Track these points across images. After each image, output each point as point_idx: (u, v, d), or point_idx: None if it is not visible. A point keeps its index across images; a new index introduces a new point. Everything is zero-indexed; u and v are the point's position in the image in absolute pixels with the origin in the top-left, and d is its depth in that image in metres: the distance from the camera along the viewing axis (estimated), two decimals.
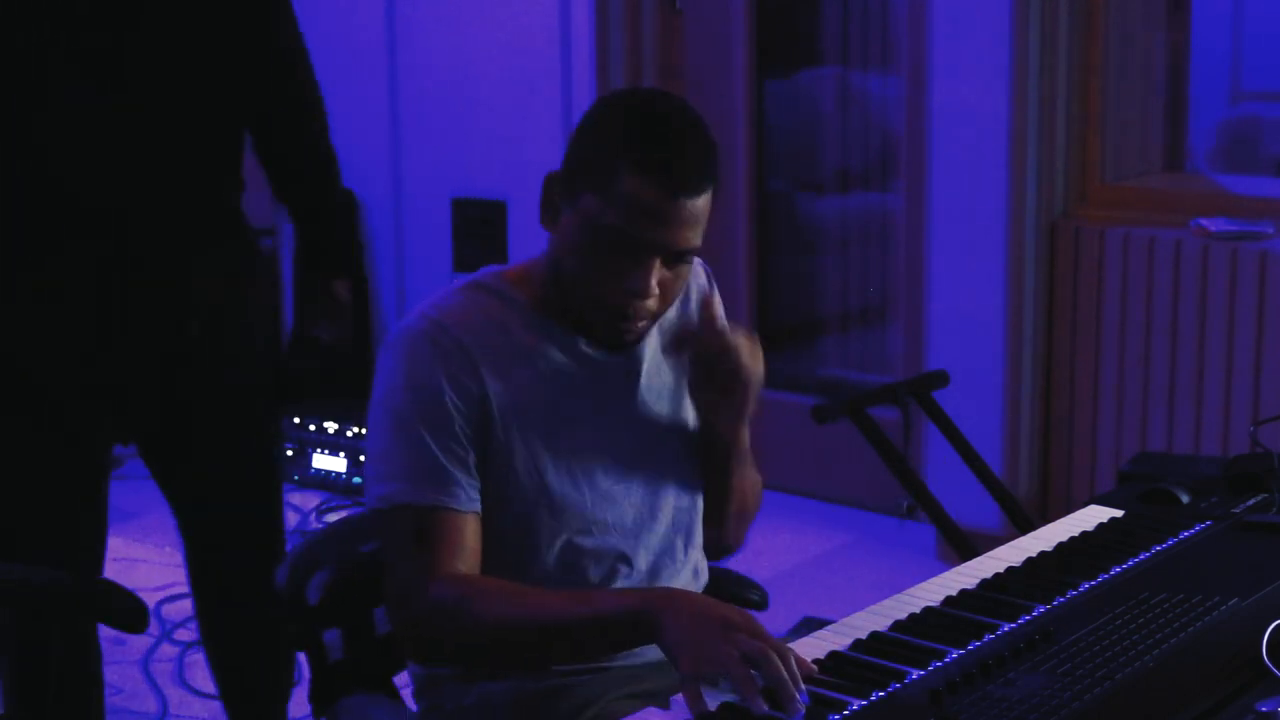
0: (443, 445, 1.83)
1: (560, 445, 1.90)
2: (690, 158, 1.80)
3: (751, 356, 1.91)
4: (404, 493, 1.83)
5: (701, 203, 1.81)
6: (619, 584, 1.96)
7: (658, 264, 1.81)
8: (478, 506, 1.86)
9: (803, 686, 1.56)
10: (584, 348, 1.93)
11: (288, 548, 2.08)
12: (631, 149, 1.78)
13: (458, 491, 1.84)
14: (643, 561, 1.99)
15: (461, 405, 1.84)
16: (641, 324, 1.87)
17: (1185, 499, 2.20)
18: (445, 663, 1.94)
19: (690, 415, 2.03)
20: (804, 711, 1.53)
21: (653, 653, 1.81)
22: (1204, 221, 3.94)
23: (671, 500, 2.01)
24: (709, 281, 2.10)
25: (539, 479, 1.89)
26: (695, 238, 1.82)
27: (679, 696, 1.59)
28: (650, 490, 1.98)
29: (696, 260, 2.00)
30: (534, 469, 1.88)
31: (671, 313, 2.02)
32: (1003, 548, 2.05)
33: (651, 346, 1.99)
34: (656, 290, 1.82)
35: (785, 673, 1.55)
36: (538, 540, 1.91)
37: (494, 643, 1.81)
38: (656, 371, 2.00)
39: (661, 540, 2.00)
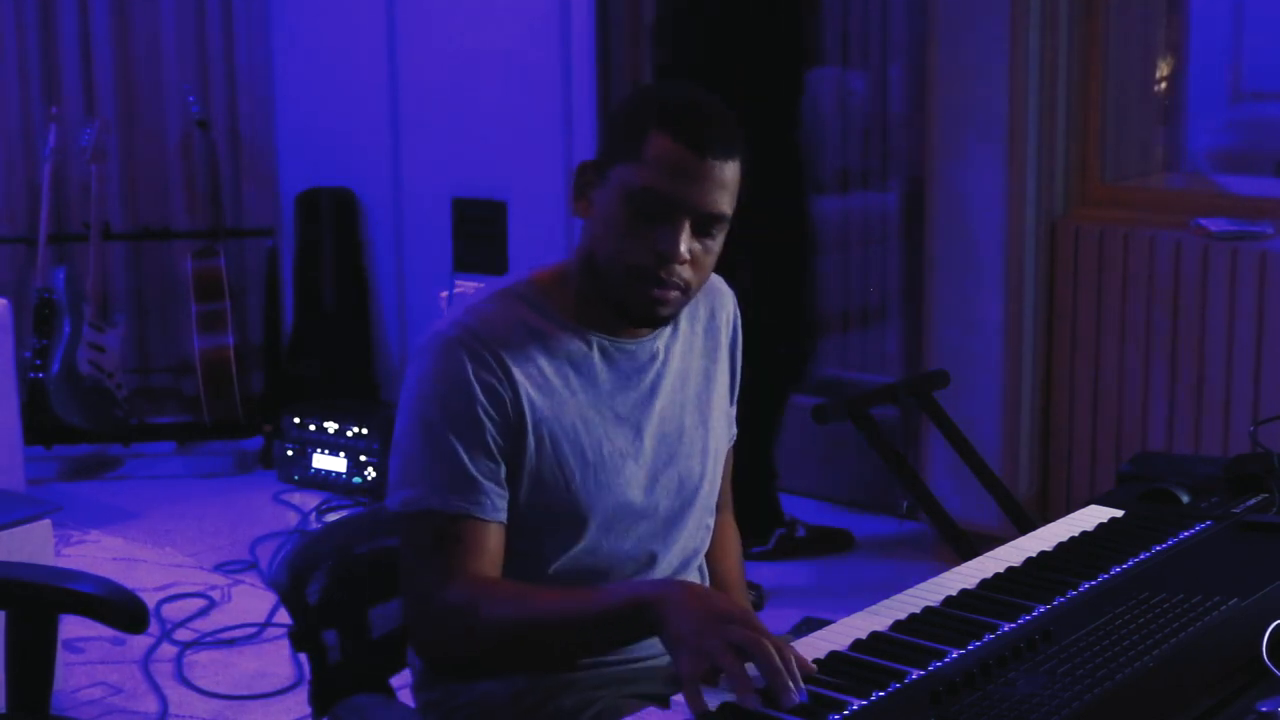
0: (472, 455, 1.84)
1: (594, 450, 1.91)
2: (718, 123, 1.84)
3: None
4: (429, 499, 1.84)
5: (730, 170, 1.84)
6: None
7: (688, 227, 1.83)
8: (503, 516, 1.86)
9: (801, 684, 1.55)
10: (617, 348, 1.94)
11: (289, 548, 2.08)
12: (661, 114, 1.83)
13: (484, 500, 1.84)
14: (675, 557, 2.01)
15: (494, 415, 1.85)
16: (674, 293, 1.87)
17: (1185, 499, 2.20)
18: (460, 664, 1.94)
19: (720, 403, 2.06)
20: (796, 703, 1.53)
21: (652, 650, 1.81)
22: (1204, 221, 3.94)
23: (704, 493, 2.03)
24: (737, 310, 2.12)
25: (567, 487, 1.90)
26: (724, 203, 1.84)
27: (679, 696, 1.59)
28: (682, 485, 2.00)
29: (728, 290, 2.07)
30: (562, 478, 1.89)
31: (701, 312, 2.03)
32: (1003, 548, 2.05)
33: (681, 340, 2.01)
34: (688, 255, 1.83)
35: (779, 662, 1.55)
36: (564, 546, 1.92)
37: (503, 642, 1.82)
38: (685, 362, 2.02)
39: (690, 534, 2.03)
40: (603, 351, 1.93)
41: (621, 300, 1.88)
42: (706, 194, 1.82)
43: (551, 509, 1.90)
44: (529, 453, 1.87)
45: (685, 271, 1.85)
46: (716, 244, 1.88)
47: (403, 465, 1.87)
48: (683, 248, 1.82)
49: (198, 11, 5.63)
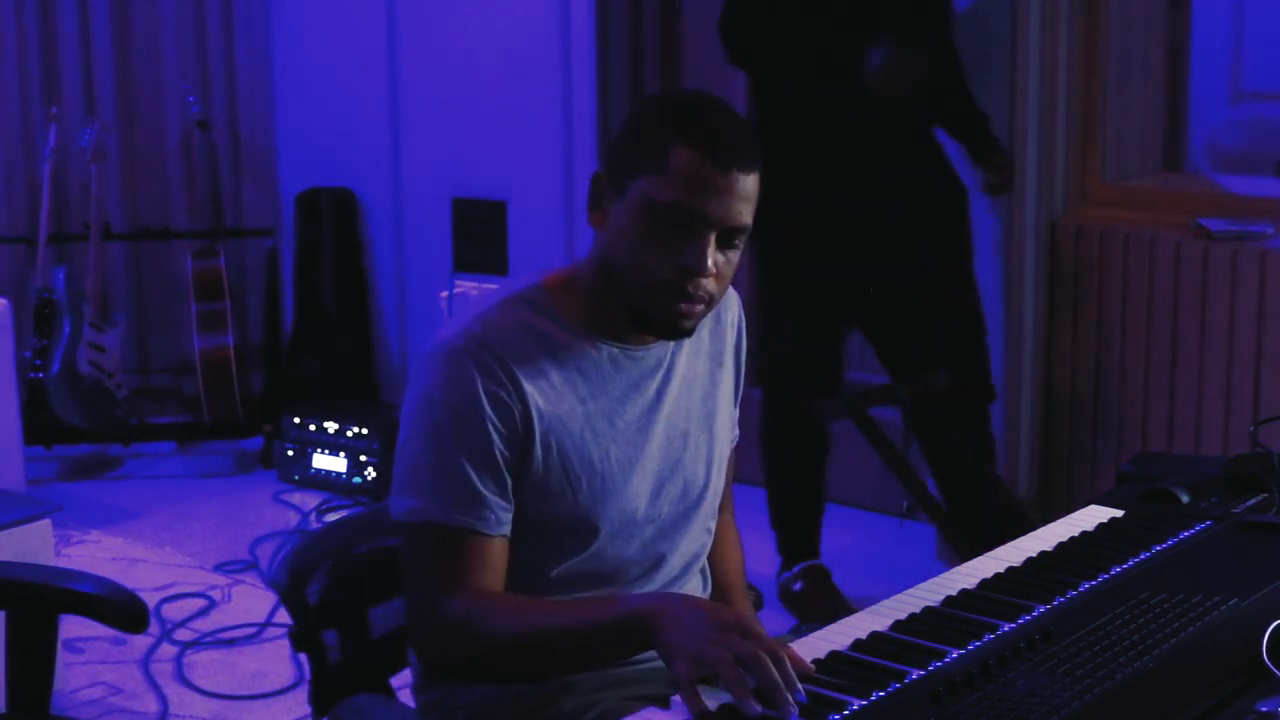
0: (478, 468, 1.83)
1: (601, 460, 1.91)
2: (739, 133, 1.84)
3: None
4: (433, 510, 1.83)
5: (751, 182, 1.83)
6: (650, 585, 1.97)
7: (714, 240, 1.82)
8: (506, 530, 1.86)
9: (798, 687, 1.55)
10: (626, 355, 1.93)
11: (289, 548, 2.08)
12: (683, 127, 1.81)
13: (487, 515, 1.84)
14: (678, 561, 2.01)
15: (502, 428, 1.84)
16: (700, 307, 1.86)
17: (1185, 499, 2.20)
18: (460, 675, 1.94)
19: (725, 406, 2.06)
20: (797, 712, 1.53)
21: (653, 654, 1.81)
22: (1204, 221, 3.94)
23: (708, 498, 2.03)
24: (742, 314, 2.12)
25: (574, 497, 1.89)
26: (747, 214, 1.84)
27: (679, 697, 1.59)
28: (687, 490, 2.00)
29: (733, 293, 2.06)
30: (569, 487, 1.89)
31: (708, 320, 2.03)
32: (1003, 548, 2.05)
33: (687, 345, 2.00)
34: (714, 269, 1.83)
35: (776, 675, 1.55)
36: (570, 553, 1.92)
37: (501, 654, 1.82)
38: (692, 367, 2.01)
39: (693, 538, 2.03)
40: (612, 359, 1.93)
41: (644, 313, 1.87)
42: (731, 207, 1.81)
43: (558, 518, 1.89)
44: (536, 463, 1.87)
45: (710, 284, 1.84)
46: (738, 255, 1.87)
47: (407, 474, 1.86)
48: (709, 262, 1.82)
49: (198, 11, 5.63)
